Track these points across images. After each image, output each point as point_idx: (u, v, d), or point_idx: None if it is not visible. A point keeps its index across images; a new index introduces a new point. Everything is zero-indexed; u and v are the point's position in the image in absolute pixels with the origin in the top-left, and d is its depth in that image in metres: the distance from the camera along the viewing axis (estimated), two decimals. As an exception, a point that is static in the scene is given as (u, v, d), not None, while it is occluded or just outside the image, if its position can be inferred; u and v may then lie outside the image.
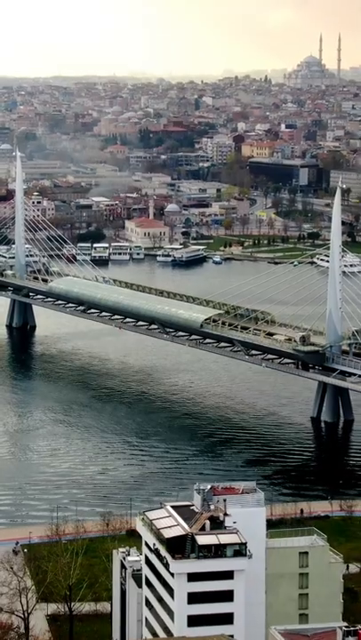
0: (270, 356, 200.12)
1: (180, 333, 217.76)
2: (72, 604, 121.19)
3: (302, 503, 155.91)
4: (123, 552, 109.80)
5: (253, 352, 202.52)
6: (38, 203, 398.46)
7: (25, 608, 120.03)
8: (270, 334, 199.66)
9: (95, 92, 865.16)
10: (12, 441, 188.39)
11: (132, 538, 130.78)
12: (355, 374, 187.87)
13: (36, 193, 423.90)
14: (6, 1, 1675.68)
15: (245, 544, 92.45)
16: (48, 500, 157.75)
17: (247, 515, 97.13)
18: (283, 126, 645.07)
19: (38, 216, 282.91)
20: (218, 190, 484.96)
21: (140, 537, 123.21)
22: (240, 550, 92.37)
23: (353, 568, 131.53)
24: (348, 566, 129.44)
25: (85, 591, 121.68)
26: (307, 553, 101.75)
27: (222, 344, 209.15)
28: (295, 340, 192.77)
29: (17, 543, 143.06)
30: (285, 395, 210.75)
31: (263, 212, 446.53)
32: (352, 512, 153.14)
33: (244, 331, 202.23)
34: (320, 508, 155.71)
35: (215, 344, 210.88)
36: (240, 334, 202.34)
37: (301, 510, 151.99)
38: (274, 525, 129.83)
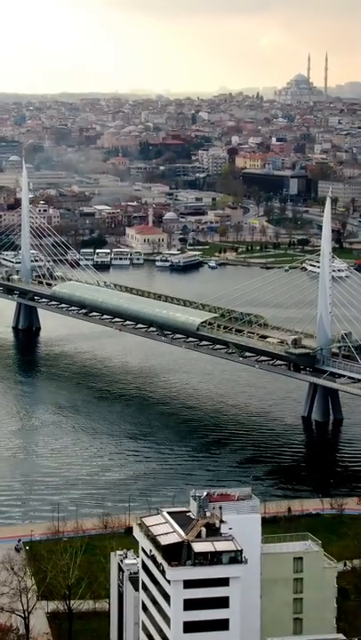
0: (263, 358, 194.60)
1: (178, 336, 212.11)
2: (71, 603, 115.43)
3: (294, 501, 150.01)
4: (120, 554, 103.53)
5: (247, 354, 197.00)
6: (44, 211, 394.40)
7: (25, 607, 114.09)
8: (263, 337, 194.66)
9: (99, 108, 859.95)
10: (17, 440, 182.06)
11: (131, 536, 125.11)
12: (344, 376, 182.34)
13: (42, 201, 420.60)
14: (18, 24, 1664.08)
15: (241, 551, 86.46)
16: (49, 499, 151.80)
17: (243, 521, 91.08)
18: (274, 140, 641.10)
19: (44, 223, 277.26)
20: (213, 199, 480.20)
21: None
22: (236, 557, 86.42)
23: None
24: (345, 563, 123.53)
25: (85, 589, 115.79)
26: (301, 558, 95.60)
27: (218, 346, 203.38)
28: (287, 343, 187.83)
29: (19, 541, 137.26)
30: (278, 395, 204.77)
31: (256, 219, 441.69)
32: (343, 510, 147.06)
33: (238, 333, 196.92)
34: (311, 505, 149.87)
35: (211, 346, 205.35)
36: (234, 337, 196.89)
37: (289, 509, 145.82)
38: (267, 523, 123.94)
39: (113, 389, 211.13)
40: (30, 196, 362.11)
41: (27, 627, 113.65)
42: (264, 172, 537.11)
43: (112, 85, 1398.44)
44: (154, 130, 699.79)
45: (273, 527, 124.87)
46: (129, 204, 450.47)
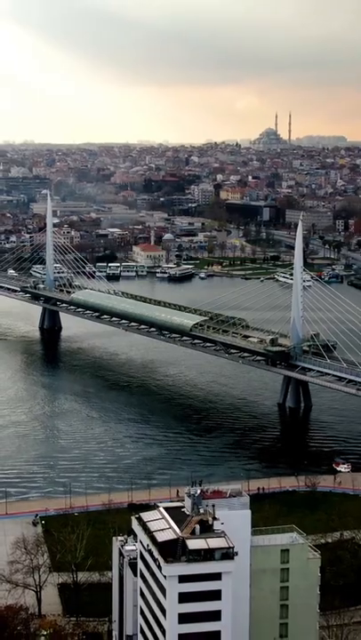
0: (246, 355, 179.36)
1: (174, 335, 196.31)
2: (79, 578, 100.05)
3: (273, 479, 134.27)
4: (121, 540, 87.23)
5: (232, 351, 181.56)
6: (68, 232, 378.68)
7: (37, 582, 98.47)
8: (246, 337, 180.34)
9: (113, 153, 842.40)
10: (39, 423, 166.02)
11: (133, 511, 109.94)
12: (313, 370, 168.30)
13: (66, 225, 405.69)
14: (53, 90, 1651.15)
15: (232, 548, 70.57)
16: (63, 477, 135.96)
17: (234, 517, 75.16)
18: (250, 177, 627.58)
19: (66, 243, 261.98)
20: (202, 224, 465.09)
21: (139, 510, 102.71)
22: (227, 553, 70.55)
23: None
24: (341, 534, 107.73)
25: (93, 560, 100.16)
26: (288, 550, 79.44)
27: (207, 344, 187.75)
28: (266, 342, 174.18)
29: (36, 515, 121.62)
30: (257, 385, 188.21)
31: (237, 240, 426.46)
32: (315, 487, 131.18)
33: (224, 334, 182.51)
34: (288, 483, 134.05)
35: (202, 344, 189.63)
36: (221, 337, 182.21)
37: (259, 488, 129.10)
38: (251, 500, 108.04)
39: (120, 379, 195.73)
40: (56, 220, 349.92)
41: (39, 600, 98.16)
42: (243, 202, 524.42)
43: (124, 136, 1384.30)
44: (155, 170, 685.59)
45: (257, 505, 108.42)
46: (135, 227, 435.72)
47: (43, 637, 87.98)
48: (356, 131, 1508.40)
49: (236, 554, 71.43)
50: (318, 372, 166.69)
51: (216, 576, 70.19)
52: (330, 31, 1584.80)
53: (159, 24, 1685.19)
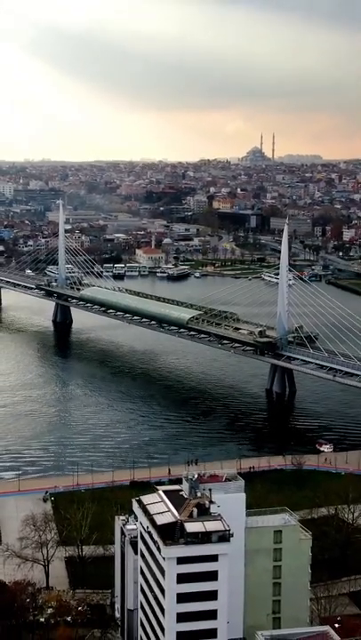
0: (237, 345, 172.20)
1: (172, 328, 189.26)
2: (84, 552, 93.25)
3: (262, 459, 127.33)
4: (122, 519, 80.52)
5: (224, 342, 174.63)
6: (79, 237, 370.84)
7: (45, 557, 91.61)
8: (236, 329, 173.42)
9: (119, 169, 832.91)
10: (51, 407, 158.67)
11: (135, 489, 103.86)
12: (297, 359, 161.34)
13: (77, 231, 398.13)
14: (67, 114, 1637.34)
15: (229, 530, 63.66)
16: (71, 456, 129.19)
17: (229, 500, 68.36)
18: (238, 190, 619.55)
19: (77, 247, 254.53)
20: (197, 230, 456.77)
21: (140, 487, 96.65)
22: (224, 536, 63.72)
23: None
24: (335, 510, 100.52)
25: (97, 535, 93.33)
26: (280, 531, 72.60)
27: (202, 336, 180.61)
28: (255, 334, 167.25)
29: (46, 492, 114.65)
30: (247, 373, 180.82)
31: (227, 244, 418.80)
32: (301, 466, 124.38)
33: (217, 326, 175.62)
34: (276, 462, 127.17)
35: (197, 336, 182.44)
36: (215, 329, 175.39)
37: (250, 467, 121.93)
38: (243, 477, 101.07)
39: (124, 367, 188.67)
40: (68, 227, 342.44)
41: (47, 574, 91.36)
42: (232, 211, 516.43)
43: (128, 155, 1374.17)
44: (156, 183, 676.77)
45: (250, 485, 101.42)
46: (138, 232, 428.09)
47: (50, 610, 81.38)
48: (330, 150, 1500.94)
49: (232, 536, 64.78)
50: (302, 360, 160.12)
51: (213, 558, 63.57)
52: (303, 65, 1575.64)
53: (156, 56, 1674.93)
